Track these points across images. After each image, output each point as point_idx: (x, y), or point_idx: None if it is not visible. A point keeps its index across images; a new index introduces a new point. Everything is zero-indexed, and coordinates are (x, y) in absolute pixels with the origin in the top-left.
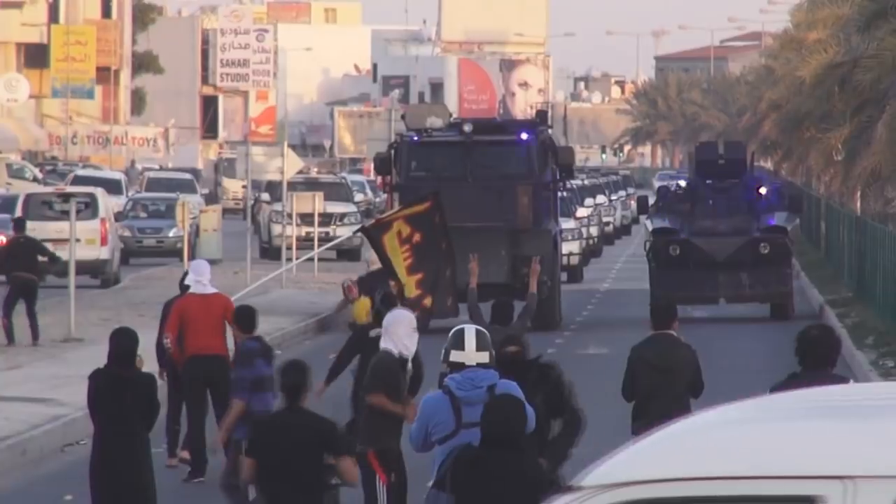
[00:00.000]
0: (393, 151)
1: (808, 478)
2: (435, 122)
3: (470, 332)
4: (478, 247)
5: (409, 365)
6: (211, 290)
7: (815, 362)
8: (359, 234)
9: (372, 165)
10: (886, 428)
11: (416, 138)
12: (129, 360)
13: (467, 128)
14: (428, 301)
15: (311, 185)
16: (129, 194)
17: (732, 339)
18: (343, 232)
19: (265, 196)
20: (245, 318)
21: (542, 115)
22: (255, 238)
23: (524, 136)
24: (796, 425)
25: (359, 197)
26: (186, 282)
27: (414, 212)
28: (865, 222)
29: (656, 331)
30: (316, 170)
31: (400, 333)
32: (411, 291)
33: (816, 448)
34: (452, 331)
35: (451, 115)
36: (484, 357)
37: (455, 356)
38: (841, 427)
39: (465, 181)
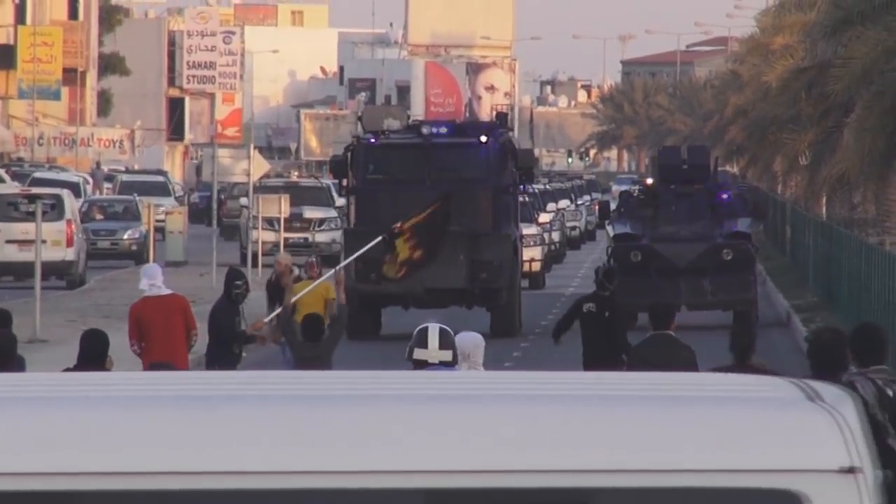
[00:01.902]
0: (349, 154)
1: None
2: (392, 123)
3: (433, 330)
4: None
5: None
6: (166, 291)
7: (827, 367)
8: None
9: None
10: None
11: (373, 140)
12: (100, 361)
13: (425, 130)
14: (418, 254)
15: (290, 189)
16: (87, 196)
17: (695, 347)
18: (322, 237)
19: (244, 200)
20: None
21: (501, 117)
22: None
23: (483, 138)
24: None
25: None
26: (140, 286)
27: (423, 218)
28: (831, 227)
29: (656, 331)
30: (297, 174)
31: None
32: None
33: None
34: (416, 329)
35: (408, 117)
36: (447, 355)
37: (418, 354)
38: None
39: (423, 184)
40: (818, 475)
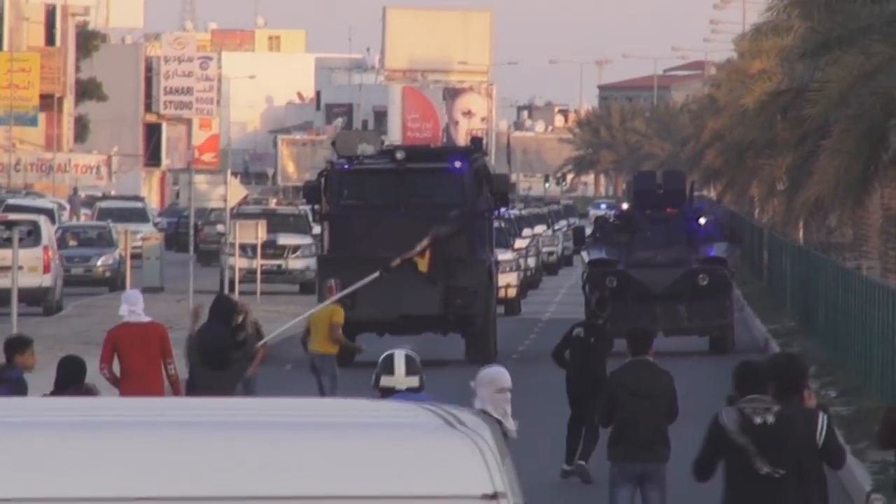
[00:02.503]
0: (323, 179)
1: None
2: (366, 148)
3: (399, 357)
4: (410, 277)
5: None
6: (145, 318)
7: (783, 391)
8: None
9: None
10: None
11: (346, 166)
12: (77, 387)
13: (399, 155)
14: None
15: (267, 215)
16: (60, 222)
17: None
18: (296, 264)
19: (219, 227)
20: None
21: (476, 142)
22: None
23: (457, 163)
24: None
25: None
26: (120, 312)
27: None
28: (808, 252)
29: (634, 356)
30: (275, 200)
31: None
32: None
33: None
34: (382, 356)
35: (382, 142)
36: (414, 381)
37: (385, 381)
38: None
39: (398, 210)
40: (461, 501)
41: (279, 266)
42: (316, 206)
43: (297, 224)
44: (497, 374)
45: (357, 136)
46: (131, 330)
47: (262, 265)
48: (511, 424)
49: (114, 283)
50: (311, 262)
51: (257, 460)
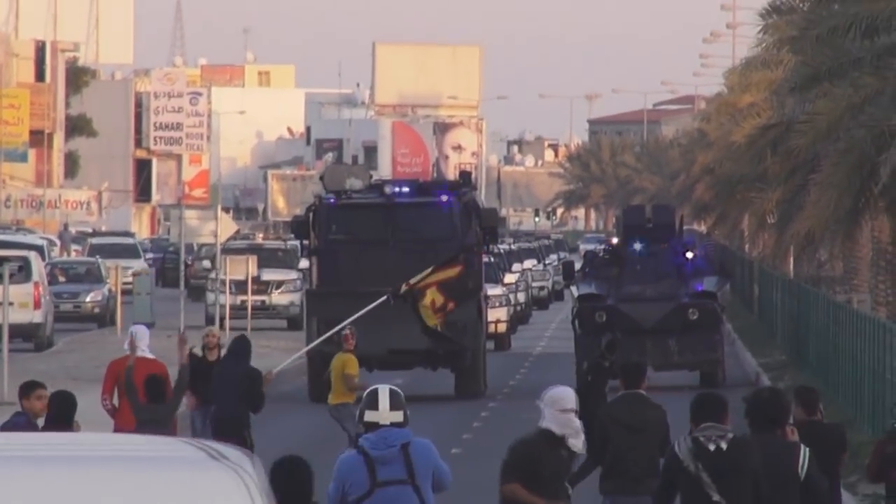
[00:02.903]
0: (311, 214)
1: None
2: (355, 183)
3: (384, 392)
4: (399, 312)
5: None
6: (150, 356)
7: (764, 424)
8: (388, 298)
9: None
10: None
11: (334, 200)
12: (66, 423)
13: (388, 189)
14: (451, 305)
15: (255, 251)
16: (50, 258)
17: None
18: (280, 300)
19: (206, 263)
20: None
21: (465, 176)
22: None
23: (446, 197)
24: None
25: (305, 264)
26: (125, 347)
27: (446, 277)
28: (798, 285)
29: (627, 390)
30: (262, 235)
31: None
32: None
33: None
34: (366, 391)
35: (370, 177)
36: (398, 416)
37: (369, 416)
38: None
39: (386, 244)
40: None
41: (263, 302)
42: (304, 241)
43: (283, 259)
44: (559, 395)
45: (345, 170)
46: (136, 364)
47: (245, 301)
48: (578, 442)
49: (102, 319)
50: (297, 297)
51: (21, 494)
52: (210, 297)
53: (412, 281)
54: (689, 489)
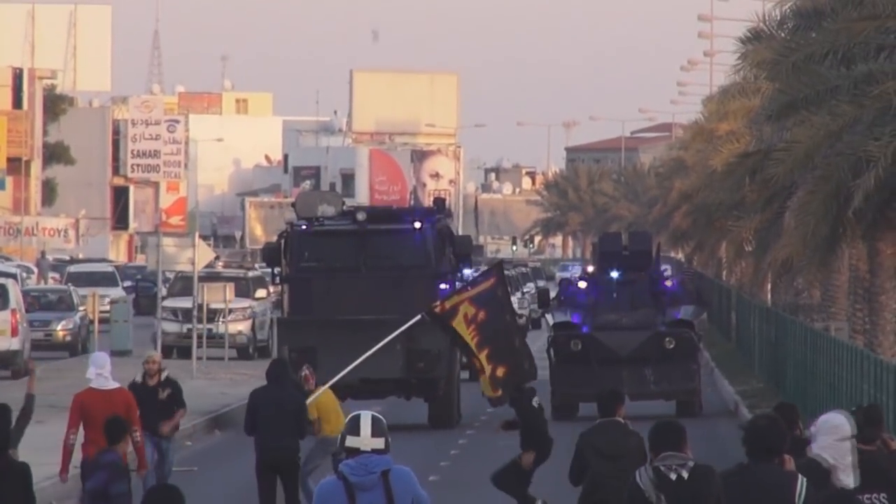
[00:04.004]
0: (283, 241)
1: None
2: (327, 210)
3: (366, 418)
4: (372, 340)
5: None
6: (113, 384)
7: (762, 453)
8: (423, 317)
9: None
10: None
11: (306, 227)
12: (3, 446)
13: (360, 216)
14: (501, 371)
15: (212, 279)
16: (22, 286)
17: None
18: (228, 328)
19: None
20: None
21: (439, 202)
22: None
23: (419, 224)
24: None
25: (261, 293)
26: (87, 375)
27: (480, 291)
28: (776, 313)
29: (603, 418)
30: (222, 263)
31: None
32: (485, 370)
33: None
34: (349, 417)
35: (343, 203)
36: (379, 443)
37: (350, 441)
38: None
39: (359, 271)
40: None
41: (210, 330)
42: (276, 269)
43: (240, 287)
44: (840, 421)
45: (317, 196)
46: (98, 396)
47: (191, 329)
48: (849, 476)
49: (74, 347)
50: (247, 326)
51: None
52: (163, 325)
53: (447, 302)
54: None
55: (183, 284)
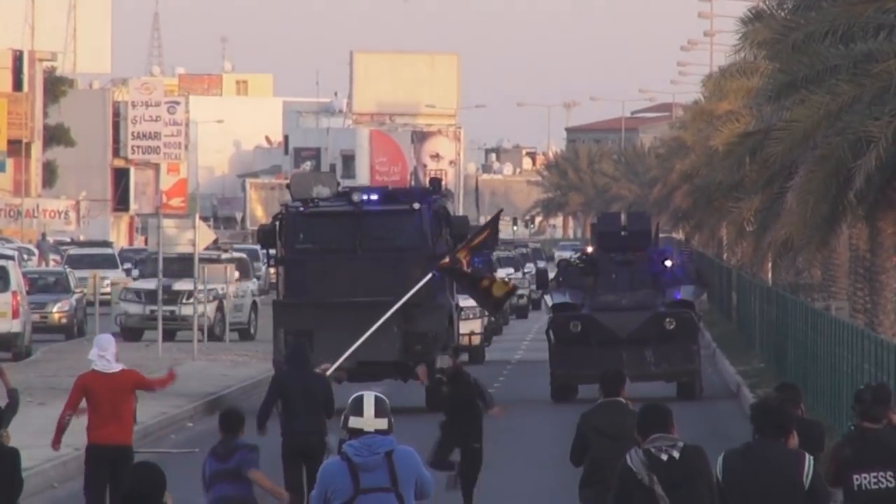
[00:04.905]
0: (278, 223)
1: None
2: (322, 191)
3: (369, 398)
4: (369, 322)
5: None
6: (116, 367)
7: (771, 432)
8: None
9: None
10: None
11: (302, 208)
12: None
13: (356, 197)
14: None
15: (183, 261)
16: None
17: None
18: (189, 311)
19: (135, 272)
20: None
21: (435, 183)
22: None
23: (416, 205)
24: None
25: (234, 274)
26: (89, 356)
27: (479, 241)
28: (777, 293)
29: (606, 398)
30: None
31: None
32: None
33: None
34: (352, 397)
35: (338, 184)
36: (382, 423)
37: (353, 422)
38: None
39: (355, 253)
40: None
41: (172, 312)
42: (271, 251)
43: (210, 269)
44: None
45: (312, 178)
46: (101, 380)
47: (154, 311)
48: None
49: (70, 329)
50: (209, 308)
51: None
52: (119, 307)
53: (450, 257)
54: (643, 502)
55: (156, 266)
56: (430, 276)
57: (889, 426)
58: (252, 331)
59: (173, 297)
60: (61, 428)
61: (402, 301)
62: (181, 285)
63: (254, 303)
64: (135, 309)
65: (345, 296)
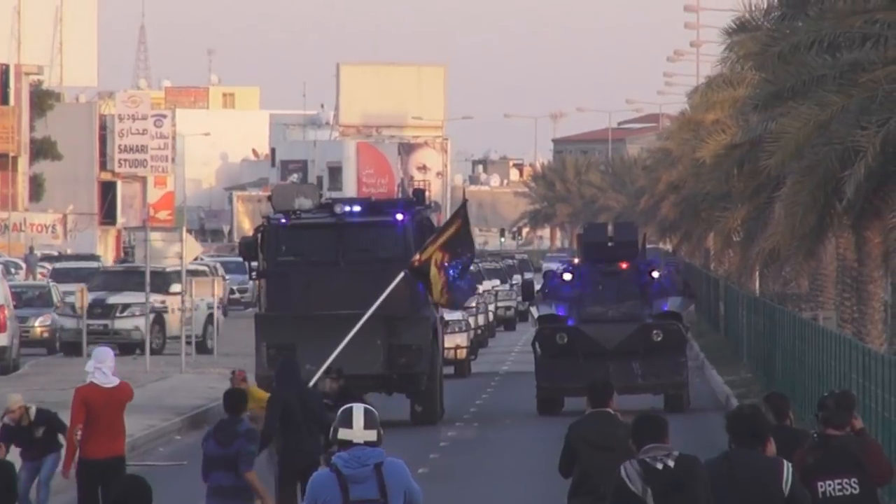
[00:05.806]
0: (259, 235)
1: None
2: (304, 202)
3: (358, 410)
4: (353, 336)
5: None
6: (114, 380)
7: (747, 440)
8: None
9: None
10: None
11: (283, 220)
12: None
13: (338, 209)
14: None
15: (130, 274)
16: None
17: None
18: (123, 324)
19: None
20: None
21: (419, 193)
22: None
23: (399, 216)
24: None
25: (176, 288)
26: (86, 367)
27: (449, 236)
28: (764, 303)
29: (594, 409)
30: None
31: None
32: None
33: None
34: (340, 409)
35: (320, 195)
36: (372, 435)
37: (343, 434)
38: None
39: (337, 265)
40: None
41: (105, 326)
42: (253, 263)
43: (154, 282)
44: None
45: (294, 189)
46: (99, 393)
47: (88, 325)
48: None
49: (51, 344)
50: (140, 322)
51: None
52: (61, 321)
53: (422, 255)
54: None
55: (104, 279)
56: (402, 274)
57: (853, 433)
58: (209, 344)
59: (107, 310)
60: (73, 448)
61: (375, 304)
62: (116, 299)
63: (210, 315)
64: (70, 323)
65: (328, 308)
